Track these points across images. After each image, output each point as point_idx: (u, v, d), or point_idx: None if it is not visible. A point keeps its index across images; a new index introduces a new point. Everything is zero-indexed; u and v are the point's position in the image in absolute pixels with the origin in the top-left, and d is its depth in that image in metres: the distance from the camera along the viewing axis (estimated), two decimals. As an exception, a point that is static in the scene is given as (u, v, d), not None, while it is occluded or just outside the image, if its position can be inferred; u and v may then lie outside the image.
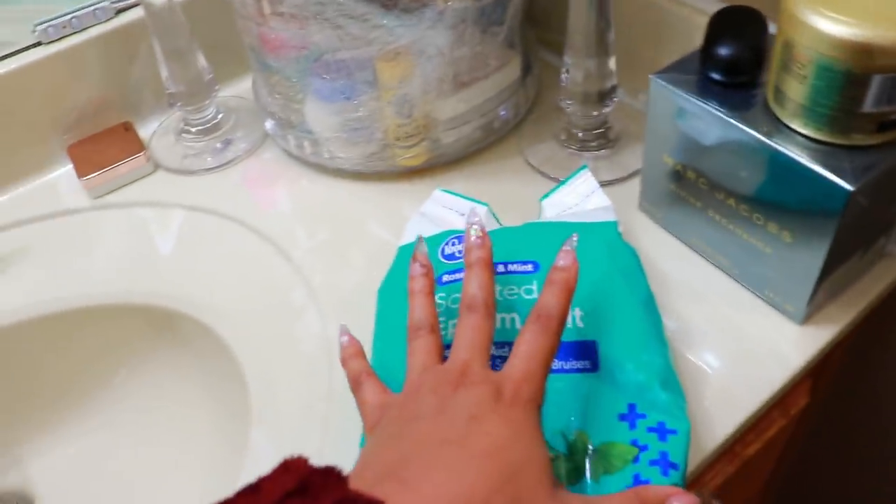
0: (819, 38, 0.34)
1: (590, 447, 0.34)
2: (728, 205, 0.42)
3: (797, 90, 0.36)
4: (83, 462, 0.51)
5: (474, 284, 0.35)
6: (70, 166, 0.58)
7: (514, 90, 0.55)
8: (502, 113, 0.55)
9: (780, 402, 0.43)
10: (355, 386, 0.36)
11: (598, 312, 0.38)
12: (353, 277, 0.49)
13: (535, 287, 0.40)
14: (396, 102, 0.50)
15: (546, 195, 0.48)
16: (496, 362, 0.37)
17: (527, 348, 0.32)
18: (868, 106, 0.34)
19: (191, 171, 0.58)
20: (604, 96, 0.51)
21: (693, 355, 0.42)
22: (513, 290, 0.40)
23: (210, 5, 0.60)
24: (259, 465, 0.39)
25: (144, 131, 0.62)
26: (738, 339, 0.42)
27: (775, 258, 0.41)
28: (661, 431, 0.34)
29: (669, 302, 0.44)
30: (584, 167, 0.48)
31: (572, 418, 0.35)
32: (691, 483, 0.42)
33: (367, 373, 0.36)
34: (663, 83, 0.42)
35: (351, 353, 0.37)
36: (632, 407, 0.35)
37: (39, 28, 0.56)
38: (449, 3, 0.47)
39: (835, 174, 0.35)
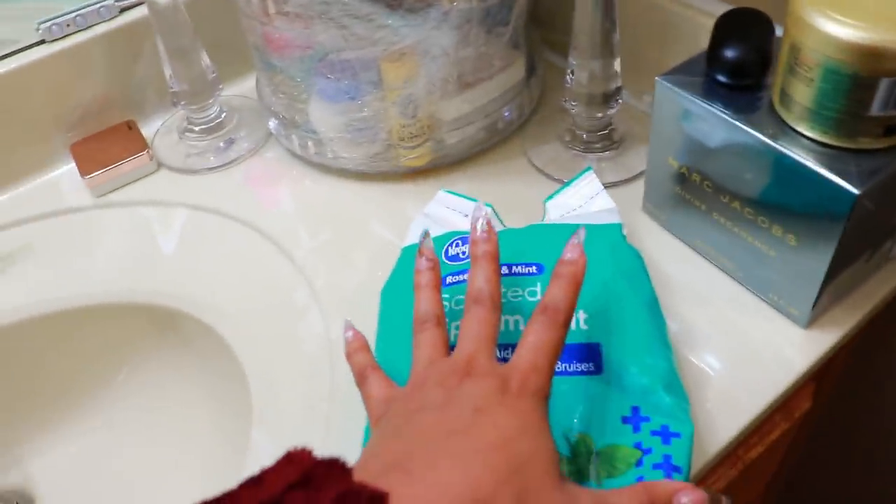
0: (826, 41, 0.33)
1: (593, 450, 0.34)
2: (733, 207, 0.42)
3: (803, 93, 0.36)
4: (84, 461, 0.51)
5: (480, 278, 0.35)
6: (73, 165, 0.58)
7: (518, 91, 0.55)
8: (506, 114, 0.55)
9: (783, 405, 0.43)
10: (360, 379, 0.35)
11: (602, 315, 0.38)
12: (356, 278, 0.49)
13: (539, 289, 0.40)
14: (401, 103, 0.50)
15: (550, 197, 0.48)
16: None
17: (534, 339, 0.31)
18: (875, 109, 0.34)
19: (194, 170, 0.58)
20: (608, 98, 0.51)
21: (696, 358, 0.42)
22: (517, 291, 0.40)
23: (214, 4, 0.60)
24: (260, 465, 0.38)
25: (148, 130, 0.61)
26: (742, 342, 0.42)
27: (780, 261, 0.41)
28: (665, 435, 0.34)
29: (673, 304, 0.44)
30: (588, 169, 0.48)
31: (575, 421, 0.35)
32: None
33: (372, 366, 0.36)
34: (669, 85, 0.42)
35: (356, 347, 0.37)
36: (635, 410, 0.35)
37: (43, 26, 0.55)
38: (454, 4, 0.47)
39: (841, 177, 0.35)
